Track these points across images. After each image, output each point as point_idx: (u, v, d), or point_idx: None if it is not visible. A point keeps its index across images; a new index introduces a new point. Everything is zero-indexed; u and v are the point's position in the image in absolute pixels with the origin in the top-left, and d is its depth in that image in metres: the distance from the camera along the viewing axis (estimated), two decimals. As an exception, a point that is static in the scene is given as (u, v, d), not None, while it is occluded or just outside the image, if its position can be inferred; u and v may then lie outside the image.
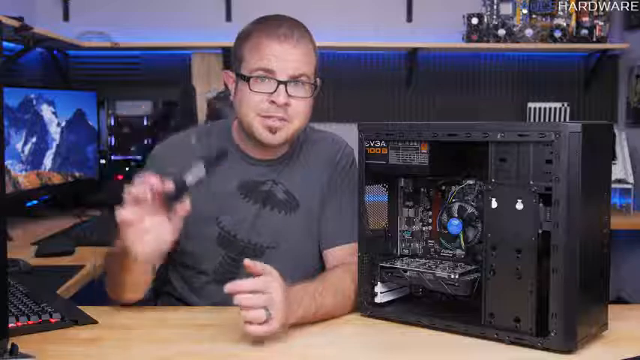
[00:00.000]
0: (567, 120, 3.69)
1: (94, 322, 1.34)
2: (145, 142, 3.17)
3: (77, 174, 2.99)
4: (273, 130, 1.49)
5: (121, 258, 1.32)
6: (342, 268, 1.48)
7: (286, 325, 1.24)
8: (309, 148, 1.64)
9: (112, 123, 3.20)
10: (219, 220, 1.55)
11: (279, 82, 1.46)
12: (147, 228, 1.24)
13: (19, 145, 2.55)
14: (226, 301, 1.54)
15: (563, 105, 3.77)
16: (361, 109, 3.77)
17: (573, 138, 1.13)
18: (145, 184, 1.22)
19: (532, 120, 3.74)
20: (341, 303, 1.39)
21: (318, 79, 1.55)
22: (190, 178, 1.25)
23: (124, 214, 1.23)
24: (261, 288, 1.20)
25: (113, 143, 3.20)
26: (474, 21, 3.64)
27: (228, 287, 1.20)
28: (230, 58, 1.63)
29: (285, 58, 1.47)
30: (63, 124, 2.89)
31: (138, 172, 1.61)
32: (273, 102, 1.46)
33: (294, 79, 1.48)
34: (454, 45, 3.72)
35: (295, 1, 3.55)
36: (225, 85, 1.65)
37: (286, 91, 1.47)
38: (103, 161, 3.18)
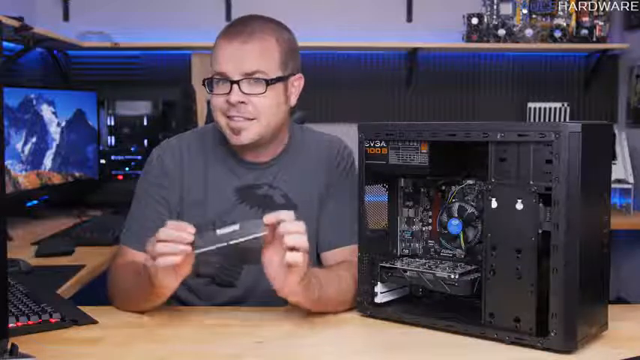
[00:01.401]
0: (567, 120, 3.69)
1: (94, 322, 1.33)
2: (145, 142, 3.16)
3: (77, 174, 2.99)
4: (236, 131, 1.49)
5: (145, 288, 1.33)
6: (341, 265, 1.48)
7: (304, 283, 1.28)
8: (307, 149, 1.62)
9: (112, 123, 3.19)
10: (216, 225, 1.55)
11: (232, 82, 1.46)
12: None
13: (19, 145, 2.55)
14: (226, 301, 1.55)
15: (563, 105, 3.77)
16: (361, 109, 3.77)
17: (573, 138, 1.13)
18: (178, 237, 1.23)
19: (532, 120, 3.74)
20: (342, 293, 1.39)
21: (297, 75, 1.54)
22: (221, 232, 1.24)
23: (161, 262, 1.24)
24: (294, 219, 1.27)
25: (113, 143, 3.19)
26: (474, 21, 3.64)
27: (268, 218, 1.25)
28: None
29: (235, 56, 1.46)
30: (63, 124, 2.88)
31: (136, 180, 1.62)
32: (230, 102, 1.47)
33: (248, 77, 1.46)
34: (454, 45, 3.72)
35: (295, 2, 3.55)
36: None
37: (240, 89, 1.46)
38: (103, 161, 3.18)
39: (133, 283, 1.40)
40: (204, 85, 1.51)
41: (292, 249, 1.23)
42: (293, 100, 1.56)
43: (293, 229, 1.24)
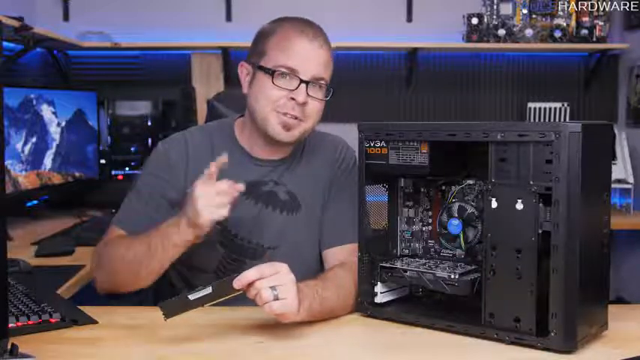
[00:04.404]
0: (567, 120, 3.69)
1: (94, 322, 1.34)
2: (145, 142, 3.16)
3: (77, 174, 2.99)
4: (287, 128, 1.50)
5: (156, 245, 1.38)
6: (341, 267, 1.48)
7: (298, 308, 1.25)
8: (311, 149, 1.64)
9: (112, 123, 3.19)
10: (221, 220, 1.55)
11: (302, 81, 1.48)
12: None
13: (19, 145, 2.55)
14: (227, 301, 1.55)
15: (563, 105, 3.77)
16: (361, 109, 3.77)
17: (573, 138, 1.13)
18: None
19: (532, 120, 3.74)
20: (343, 299, 1.39)
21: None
22: (193, 297, 1.24)
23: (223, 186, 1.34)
24: (266, 273, 1.22)
25: (113, 143, 3.19)
26: (474, 21, 3.64)
27: (236, 284, 1.22)
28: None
29: (310, 58, 1.50)
30: (63, 124, 2.89)
31: (140, 167, 1.62)
32: (292, 99, 1.48)
33: (315, 81, 1.50)
34: (454, 45, 3.72)
35: (296, 2, 3.55)
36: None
37: (306, 90, 1.48)
38: (103, 161, 3.18)
39: (131, 248, 1.42)
40: (267, 72, 1.49)
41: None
42: None
43: (265, 285, 1.21)
